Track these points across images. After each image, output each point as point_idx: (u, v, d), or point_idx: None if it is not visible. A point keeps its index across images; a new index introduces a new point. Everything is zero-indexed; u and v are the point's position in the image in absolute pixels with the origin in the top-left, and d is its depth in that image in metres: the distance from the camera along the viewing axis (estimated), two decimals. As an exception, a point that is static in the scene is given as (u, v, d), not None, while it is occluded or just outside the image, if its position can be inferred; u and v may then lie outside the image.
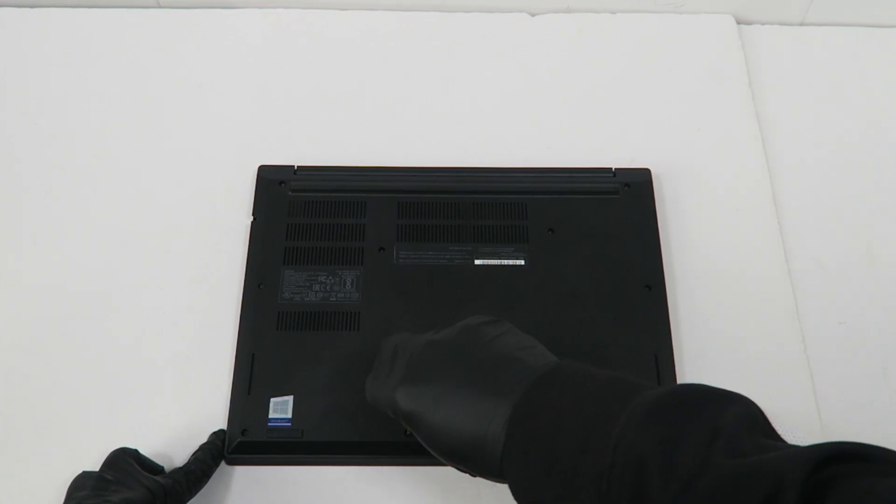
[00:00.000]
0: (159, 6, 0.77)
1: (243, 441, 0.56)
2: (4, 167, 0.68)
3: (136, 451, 0.53)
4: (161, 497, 0.48)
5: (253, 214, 0.64)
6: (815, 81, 0.75)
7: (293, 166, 0.66)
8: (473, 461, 0.44)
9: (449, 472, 0.55)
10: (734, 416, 0.37)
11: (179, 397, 0.58)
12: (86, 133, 0.70)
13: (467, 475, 0.46)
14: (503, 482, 0.43)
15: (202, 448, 0.54)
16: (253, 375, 0.58)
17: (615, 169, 0.67)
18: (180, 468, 0.53)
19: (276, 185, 0.65)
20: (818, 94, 0.74)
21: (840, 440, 0.34)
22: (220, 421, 0.57)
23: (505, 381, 0.43)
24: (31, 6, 0.76)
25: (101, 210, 0.66)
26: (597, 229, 0.64)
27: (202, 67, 0.74)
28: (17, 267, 0.64)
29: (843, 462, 0.33)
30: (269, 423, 0.56)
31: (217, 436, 0.56)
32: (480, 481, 0.54)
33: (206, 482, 0.53)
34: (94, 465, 0.52)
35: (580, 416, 0.40)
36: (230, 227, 0.65)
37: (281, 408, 0.56)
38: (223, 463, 0.56)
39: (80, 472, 0.51)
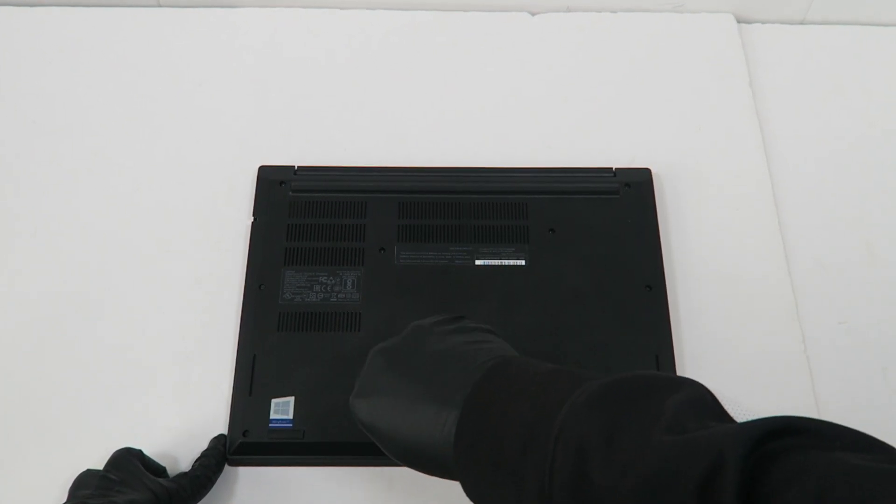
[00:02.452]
0: (159, 5, 0.77)
1: (245, 442, 0.56)
2: (3, 167, 0.68)
3: (140, 451, 0.53)
4: (165, 500, 0.48)
5: (253, 215, 0.64)
6: (815, 80, 0.75)
7: (293, 166, 0.66)
8: (428, 464, 0.44)
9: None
10: (679, 400, 0.37)
11: (180, 398, 0.58)
12: (86, 133, 0.70)
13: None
14: (457, 480, 0.43)
15: (206, 454, 0.54)
16: (254, 376, 0.58)
17: (615, 169, 0.67)
18: (185, 473, 0.53)
19: (276, 186, 0.65)
20: (819, 93, 0.74)
21: (781, 415, 0.34)
22: (221, 422, 0.57)
23: (449, 380, 0.43)
24: (31, 5, 0.76)
25: (101, 210, 0.66)
26: (597, 229, 0.64)
27: (202, 67, 0.73)
28: (16, 267, 0.63)
29: (785, 437, 0.33)
30: (271, 424, 0.56)
31: (219, 440, 0.56)
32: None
33: (210, 488, 0.53)
34: (95, 466, 0.52)
35: (523, 409, 0.40)
36: (230, 228, 0.65)
37: (282, 409, 0.56)
38: (225, 464, 0.56)
39: (78, 472, 0.51)
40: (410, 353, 0.46)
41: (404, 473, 0.56)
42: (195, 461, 0.54)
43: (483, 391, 0.42)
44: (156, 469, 0.53)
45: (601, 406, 0.37)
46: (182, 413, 0.58)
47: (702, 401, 0.38)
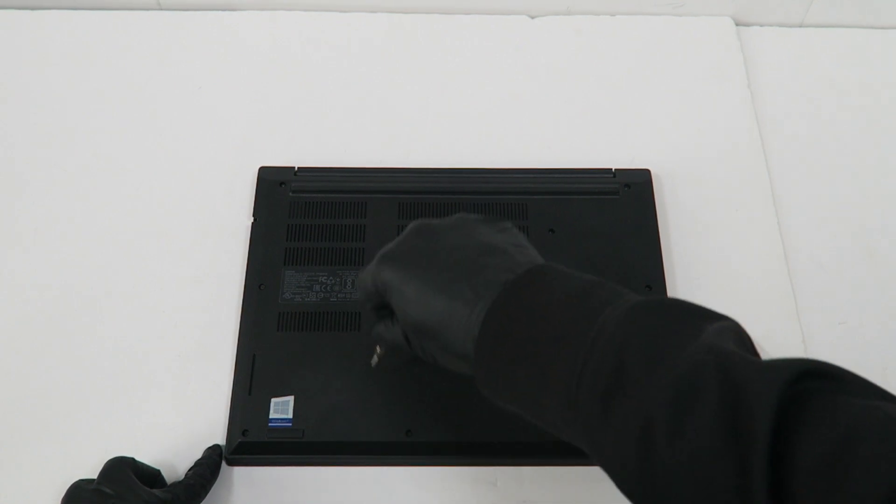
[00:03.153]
0: (160, 8, 0.77)
1: (244, 442, 0.55)
2: (5, 168, 0.68)
3: (132, 459, 0.52)
4: None
5: (253, 215, 0.64)
6: (814, 82, 0.75)
7: (294, 167, 0.66)
8: (442, 337, 0.43)
9: (450, 473, 0.56)
10: (721, 327, 0.38)
11: (180, 398, 0.58)
12: (87, 135, 0.70)
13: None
14: (464, 367, 0.44)
15: (200, 463, 0.54)
16: (254, 376, 0.57)
17: (615, 169, 0.67)
18: (179, 482, 0.52)
19: (276, 187, 0.65)
20: (817, 95, 0.74)
21: (817, 359, 0.35)
22: (220, 421, 0.57)
23: (490, 268, 0.43)
24: (32, 8, 0.76)
25: (101, 211, 0.66)
26: (597, 230, 0.64)
27: (203, 69, 0.74)
28: (17, 268, 0.64)
29: (820, 379, 0.34)
30: (270, 424, 0.56)
31: (214, 450, 0.55)
32: (478, 483, 0.54)
33: (204, 496, 0.52)
34: (94, 466, 0.51)
35: (561, 309, 0.40)
36: (231, 228, 0.65)
37: (282, 408, 0.56)
38: (224, 464, 0.56)
39: (77, 475, 0.50)
40: (455, 236, 0.46)
41: (404, 474, 0.56)
42: (189, 469, 0.54)
43: (523, 283, 0.42)
44: (150, 475, 0.53)
45: (645, 317, 0.38)
46: (181, 412, 0.58)
47: (741, 335, 0.38)
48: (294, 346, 0.59)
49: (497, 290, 0.42)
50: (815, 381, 0.34)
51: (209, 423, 0.57)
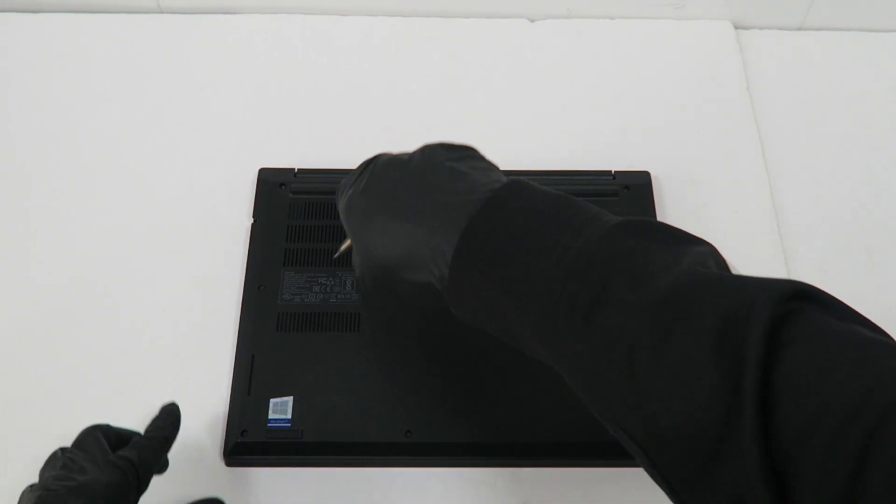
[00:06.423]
0: (160, 11, 0.77)
1: (243, 442, 0.55)
2: (8, 170, 0.68)
3: (107, 425, 0.50)
4: (132, 473, 0.46)
5: (253, 216, 0.64)
6: (813, 85, 0.75)
7: (293, 169, 0.66)
8: (408, 268, 0.44)
9: (450, 474, 0.56)
10: (702, 251, 0.38)
11: (179, 398, 0.57)
12: (88, 136, 0.70)
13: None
14: (426, 298, 0.45)
15: (157, 417, 0.51)
16: (253, 376, 0.57)
17: (615, 171, 0.67)
18: (141, 437, 0.50)
19: (276, 188, 0.65)
20: (816, 98, 0.74)
21: (805, 282, 0.35)
22: (219, 421, 0.57)
23: (453, 192, 0.43)
24: (35, 11, 0.77)
25: (102, 212, 0.66)
26: (596, 231, 0.64)
27: (203, 71, 0.74)
28: (17, 267, 0.64)
29: (805, 300, 0.34)
30: (269, 424, 0.56)
31: (171, 405, 0.52)
32: (477, 484, 0.54)
33: (169, 449, 0.50)
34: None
35: (533, 224, 0.40)
36: (231, 229, 0.65)
37: (280, 408, 0.56)
38: (223, 464, 0.56)
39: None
40: (418, 168, 0.46)
41: (404, 474, 0.56)
42: (148, 425, 0.51)
43: (491, 212, 0.42)
44: (125, 438, 0.50)
45: (626, 237, 0.38)
46: (181, 412, 0.57)
47: (720, 259, 0.39)
48: (293, 346, 0.59)
49: (461, 212, 0.42)
50: (802, 302, 0.34)
51: (208, 423, 0.57)
